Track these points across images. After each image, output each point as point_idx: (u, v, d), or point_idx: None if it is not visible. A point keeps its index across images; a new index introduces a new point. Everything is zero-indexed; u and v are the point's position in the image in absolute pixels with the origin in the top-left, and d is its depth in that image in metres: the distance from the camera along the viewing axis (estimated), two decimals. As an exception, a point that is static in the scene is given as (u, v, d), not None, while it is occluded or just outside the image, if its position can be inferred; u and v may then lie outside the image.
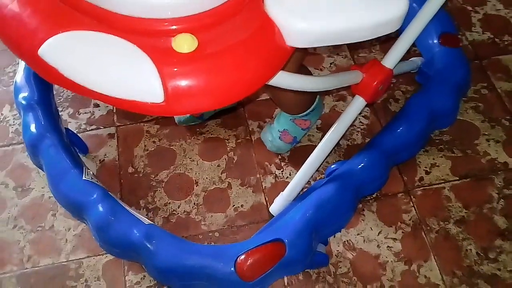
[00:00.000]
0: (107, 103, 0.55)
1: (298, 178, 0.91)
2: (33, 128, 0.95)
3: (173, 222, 0.99)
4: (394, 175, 1.03)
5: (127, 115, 1.14)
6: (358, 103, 0.90)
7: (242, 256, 0.79)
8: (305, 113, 1.00)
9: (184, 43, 0.53)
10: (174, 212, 1.00)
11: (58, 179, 0.89)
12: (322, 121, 1.11)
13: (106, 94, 0.54)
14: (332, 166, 0.96)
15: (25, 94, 0.99)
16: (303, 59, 0.86)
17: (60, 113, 1.14)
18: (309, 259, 0.86)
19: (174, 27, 0.55)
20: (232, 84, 0.56)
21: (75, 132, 1.10)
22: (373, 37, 0.61)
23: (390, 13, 0.60)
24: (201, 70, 0.55)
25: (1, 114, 1.17)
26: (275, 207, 0.93)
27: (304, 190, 0.98)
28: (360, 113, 1.11)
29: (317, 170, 1.02)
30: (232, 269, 0.78)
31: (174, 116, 1.10)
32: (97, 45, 0.54)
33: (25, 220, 1.01)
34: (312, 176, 1.01)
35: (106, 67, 0.53)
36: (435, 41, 1.10)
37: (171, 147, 1.09)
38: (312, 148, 1.06)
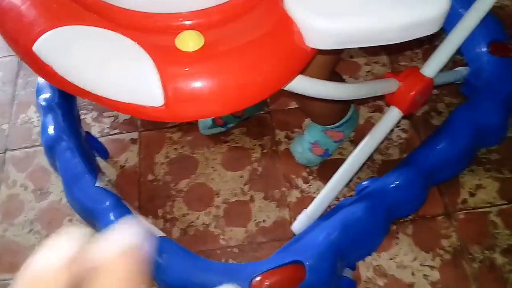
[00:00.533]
0: (104, 106, 0.50)
1: (324, 195, 0.84)
2: (51, 130, 0.92)
3: (190, 234, 0.94)
4: (434, 195, 0.94)
5: (150, 120, 1.10)
6: (393, 115, 0.81)
7: (258, 278, 0.73)
8: (337, 124, 0.93)
9: (189, 41, 0.48)
10: (192, 224, 0.95)
11: (71, 184, 0.86)
12: (355, 134, 1.03)
13: (102, 96, 0.49)
14: (364, 183, 0.88)
15: (47, 95, 0.97)
16: (335, 65, 0.79)
17: (84, 116, 1.12)
18: (333, 285, 0.78)
19: (178, 23, 0.49)
20: (241, 88, 0.50)
21: (97, 136, 1.08)
22: (408, 40, 0.53)
23: (428, 12, 0.52)
24: (207, 71, 0.49)
25: (26, 115, 1.16)
26: (298, 225, 0.86)
27: (332, 206, 0.90)
28: (397, 126, 1.03)
29: (347, 186, 0.94)
30: None
31: (199, 125, 1.05)
32: (94, 42, 0.50)
33: (41, 224, 0.98)
34: (341, 192, 0.93)
35: (103, 66, 0.49)
36: (484, 49, 1.00)
37: (193, 155, 1.04)
38: (342, 162, 0.99)
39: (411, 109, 0.80)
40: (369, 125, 1.04)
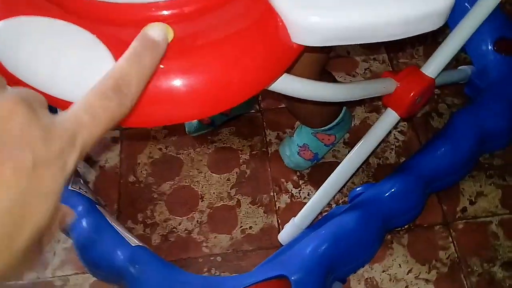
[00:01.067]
0: (58, 107, 0.44)
1: (314, 203, 0.78)
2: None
3: (171, 241, 0.88)
4: (432, 202, 0.88)
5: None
6: (389, 118, 0.75)
7: None
8: (328, 126, 0.86)
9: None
10: (174, 229, 0.89)
11: None
12: (350, 135, 0.98)
13: (55, 97, 0.43)
14: (357, 189, 0.82)
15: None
16: (324, 64, 0.73)
17: (63, 112, 1.06)
18: None
19: (144, 14, 0.43)
20: (216, 89, 0.44)
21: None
22: (407, 36, 0.47)
23: (431, 6, 0.46)
24: (175, 68, 0.43)
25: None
26: (284, 235, 0.80)
27: (324, 213, 0.84)
28: (395, 128, 0.97)
29: (339, 192, 0.88)
30: None
31: (185, 125, 0.98)
32: (49, 35, 0.43)
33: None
34: (333, 198, 0.87)
35: (56, 63, 0.42)
36: (489, 47, 0.94)
37: (178, 155, 0.98)
38: (336, 165, 0.93)
39: (409, 112, 0.74)
40: (365, 126, 0.98)
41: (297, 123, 0.99)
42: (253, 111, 1.03)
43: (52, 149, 0.20)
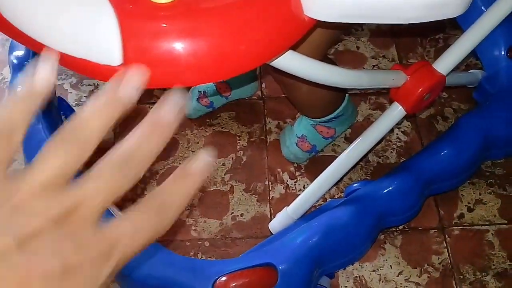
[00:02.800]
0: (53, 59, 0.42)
1: (308, 194, 0.76)
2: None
3: (160, 221, 0.85)
4: (429, 206, 0.87)
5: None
6: (395, 113, 0.73)
7: (223, 278, 0.67)
8: (327, 118, 0.84)
9: (161, -10, 0.39)
10: (163, 210, 0.87)
11: (32, 152, 0.78)
12: (352, 131, 0.95)
13: (51, 47, 0.40)
14: (354, 185, 0.80)
15: (20, 53, 0.89)
16: (329, 46, 0.70)
17: (61, 82, 1.03)
18: None
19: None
20: (220, 55, 0.41)
21: (73, 104, 0.99)
22: (424, 21, 0.45)
23: (453, -10, 0.44)
24: (179, 28, 0.40)
25: (1, 73, 1.07)
26: (276, 224, 0.78)
27: (318, 206, 0.82)
28: (398, 127, 0.95)
29: (336, 187, 0.86)
30: None
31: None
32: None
33: None
34: (329, 192, 0.85)
35: (54, 13, 0.40)
36: (503, 53, 0.91)
37: (174, 136, 0.95)
38: (334, 159, 0.92)
39: (416, 108, 0.72)
40: (368, 123, 0.96)
41: (299, 113, 0.96)
42: (255, 97, 1.00)
43: (87, 258, 0.19)
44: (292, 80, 0.71)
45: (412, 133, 0.96)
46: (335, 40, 0.70)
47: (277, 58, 0.46)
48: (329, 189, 0.81)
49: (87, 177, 0.21)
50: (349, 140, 0.94)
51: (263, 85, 1.02)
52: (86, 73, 0.41)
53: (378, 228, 0.78)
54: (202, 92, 0.94)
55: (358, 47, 1.07)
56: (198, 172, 0.23)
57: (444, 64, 0.72)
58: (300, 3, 0.43)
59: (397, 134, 0.95)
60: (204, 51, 0.41)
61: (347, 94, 0.85)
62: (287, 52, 0.47)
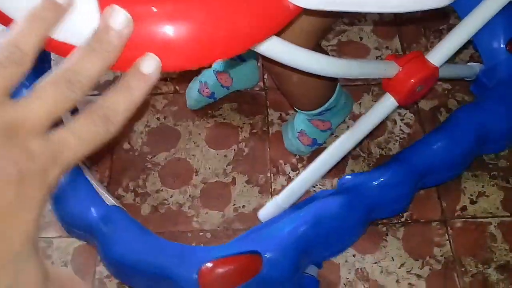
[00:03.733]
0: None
1: (298, 183, 0.77)
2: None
3: (161, 212, 0.86)
4: (431, 198, 0.86)
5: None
6: (387, 103, 0.73)
7: (209, 264, 0.67)
8: (319, 110, 0.83)
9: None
10: (165, 201, 0.87)
11: None
12: (355, 123, 0.95)
13: None
14: (347, 177, 0.80)
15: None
16: (321, 35, 0.69)
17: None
18: (293, 282, 0.72)
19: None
20: (199, 40, 0.40)
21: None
22: (408, 10, 0.44)
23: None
24: (160, 13, 0.39)
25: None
26: (265, 213, 0.79)
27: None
28: (401, 119, 0.95)
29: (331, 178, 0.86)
30: (195, 276, 0.66)
31: (186, 96, 0.96)
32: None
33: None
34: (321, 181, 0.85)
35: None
36: (502, 45, 0.90)
37: (176, 127, 0.96)
38: (336, 152, 0.91)
39: (408, 100, 0.72)
40: (370, 115, 0.96)
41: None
42: (257, 89, 1.00)
43: (36, 164, 0.22)
44: (282, 69, 0.71)
45: (416, 125, 0.95)
46: (326, 29, 0.70)
47: (260, 44, 0.45)
48: (318, 179, 0.81)
49: (32, 93, 0.22)
50: (352, 131, 0.94)
51: (265, 77, 1.01)
52: (61, 54, 0.41)
53: (368, 220, 0.78)
54: (203, 83, 0.94)
55: (361, 38, 1.06)
56: (141, 78, 0.25)
57: (437, 55, 0.71)
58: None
59: (400, 126, 0.95)
60: (185, 36, 0.40)
61: (338, 85, 0.84)
62: (272, 38, 0.46)
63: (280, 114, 0.97)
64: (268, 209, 0.79)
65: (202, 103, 0.96)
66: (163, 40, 0.38)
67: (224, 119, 0.96)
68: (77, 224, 0.74)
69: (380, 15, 1.09)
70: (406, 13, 0.46)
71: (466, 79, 0.97)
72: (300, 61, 0.54)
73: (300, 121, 0.88)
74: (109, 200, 0.75)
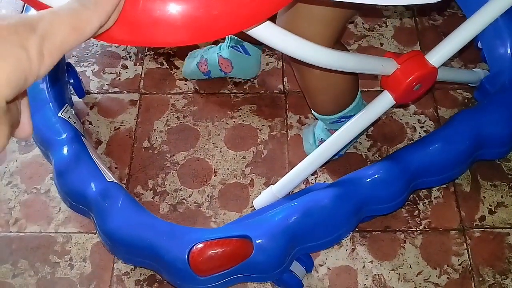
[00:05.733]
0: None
1: (294, 174, 0.77)
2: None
3: (179, 211, 0.86)
4: (451, 206, 0.86)
5: (154, 83, 1.01)
6: (384, 101, 0.72)
7: (200, 245, 0.68)
8: (337, 116, 0.81)
9: None
10: (183, 200, 0.87)
11: (33, 110, 0.79)
12: (374, 128, 0.95)
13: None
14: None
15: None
16: (343, 27, 0.69)
17: (83, 69, 1.04)
18: (280, 270, 0.72)
19: None
20: (197, 16, 0.41)
21: (95, 92, 1.00)
22: (409, 4, 0.44)
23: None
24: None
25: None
26: (260, 200, 0.80)
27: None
28: (420, 126, 0.95)
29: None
30: (185, 256, 0.67)
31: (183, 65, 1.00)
32: None
33: (21, 178, 0.91)
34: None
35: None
36: (508, 52, 0.88)
37: (196, 126, 0.96)
38: (356, 156, 0.92)
39: (405, 98, 0.71)
40: (390, 121, 0.95)
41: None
42: (276, 91, 1.00)
43: (8, 23, 0.25)
44: (304, 74, 0.71)
45: (435, 125, 0.95)
46: (348, 17, 0.70)
47: (254, 27, 0.45)
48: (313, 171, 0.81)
49: None
50: (371, 136, 0.94)
51: (285, 79, 1.01)
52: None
53: (359, 215, 0.78)
54: (204, 59, 0.96)
55: (381, 44, 1.06)
56: None
57: (437, 56, 0.70)
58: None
59: (419, 133, 0.94)
60: (184, 13, 0.40)
61: (359, 93, 0.82)
62: (266, 23, 0.47)
63: (299, 117, 0.97)
64: (263, 198, 0.80)
65: (195, 76, 0.98)
66: (163, 16, 0.39)
67: (243, 121, 0.96)
68: (76, 196, 0.76)
69: (401, 20, 1.09)
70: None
71: (470, 84, 0.96)
72: (293, 48, 0.54)
73: (320, 130, 0.88)
74: (109, 176, 0.76)
